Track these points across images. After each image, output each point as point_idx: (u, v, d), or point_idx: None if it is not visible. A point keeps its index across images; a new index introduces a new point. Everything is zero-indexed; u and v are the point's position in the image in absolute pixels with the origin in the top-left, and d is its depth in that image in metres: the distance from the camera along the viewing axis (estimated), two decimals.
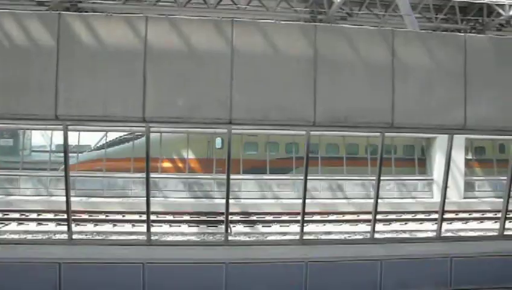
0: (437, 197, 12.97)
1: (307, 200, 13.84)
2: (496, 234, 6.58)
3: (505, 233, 6.53)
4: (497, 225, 6.65)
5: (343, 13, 16.00)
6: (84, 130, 13.20)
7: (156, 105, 5.26)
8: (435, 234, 6.38)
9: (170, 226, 10.02)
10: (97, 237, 7.19)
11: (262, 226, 11.07)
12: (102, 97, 5.21)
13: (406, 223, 11.70)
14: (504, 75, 5.93)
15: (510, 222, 11.63)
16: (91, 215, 10.65)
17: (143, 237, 6.19)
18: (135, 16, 5.58)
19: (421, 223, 11.53)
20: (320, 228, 11.33)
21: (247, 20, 5.37)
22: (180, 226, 10.16)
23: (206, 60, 5.34)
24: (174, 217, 11.16)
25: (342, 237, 8.12)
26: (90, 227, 9.12)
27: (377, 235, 6.48)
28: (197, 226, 10.16)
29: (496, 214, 12.07)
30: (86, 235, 7.53)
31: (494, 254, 6.14)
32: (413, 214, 12.80)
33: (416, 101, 5.68)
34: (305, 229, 10.94)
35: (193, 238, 7.67)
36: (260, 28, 5.34)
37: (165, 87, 5.32)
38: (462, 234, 9.00)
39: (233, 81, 5.24)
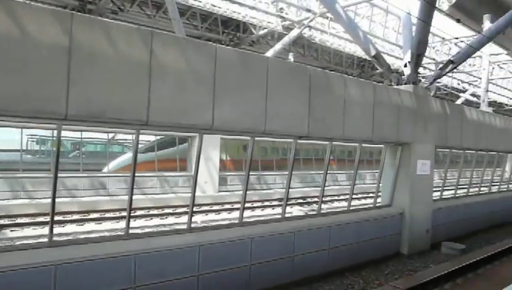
0: (197, 192, 14.01)
1: (64, 199, 13.02)
2: (237, 221, 7.55)
3: (244, 221, 7.58)
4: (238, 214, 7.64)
5: (115, 8, 15.73)
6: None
7: None
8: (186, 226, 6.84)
9: None
10: None
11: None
12: None
13: (166, 217, 12.29)
14: (244, 84, 6.87)
15: (253, 211, 13.76)
16: None
17: None
18: None
19: (178, 217, 12.31)
20: (80, 228, 10.90)
21: None
22: None
23: None
24: None
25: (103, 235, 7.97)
26: None
27: (132, 231, 6.55)
28: None
29: (254, 204, 14.21)
30: None
31: (235, 239, 7.03)
32: (173, 208, 13.54)
33: (172, 101, 5.98)
34: (62, 230, 10.36)
35: None
36: (7, 8, 4.66)
37: None
38: (213, 224, 10.13)
39: None
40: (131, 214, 7.09)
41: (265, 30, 18.93)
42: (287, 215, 8.51)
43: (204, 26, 18.16)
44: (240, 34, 19.40)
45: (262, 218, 10.51)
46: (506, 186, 17.14)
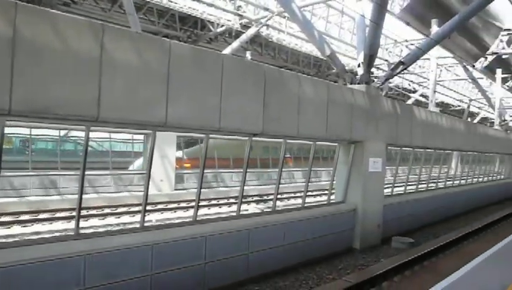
0: (152, 190, 13.77)
1: (11, 199, 12.42)
2: (191, 220, 7.49)
3: (198, 219, 7.54)
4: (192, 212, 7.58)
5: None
6: None
7: None
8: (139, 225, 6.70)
9: None
10: None
11: None
12: None
13: (119, 216, 12.03)
14: (199, 81, 6.82)
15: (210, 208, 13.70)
16: None
17: None
18: None
19: (133, 216, 12.07)
20: (27, 229, 10.49)
21: None
22: None
23: None
24: None
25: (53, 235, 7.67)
26: None
27: (83, 231, 6.35)
28: None
29: (211, 202, 14.10)
30: None
31: (189, 237, 6.97)
32: (128, 207, 13.27)
33: (124, 97, 5.83)
34: (8, 231, 9.91)
35: None
36: None
37: None
38: (168, 222, 10.01)
39: None
40: (83, 214, 6.87)
41: (223, 28, 18.88)
42: (242, 212, 8.55)
43: (161, 22, 17.86)
44: (198, 31, 19.24)
45: (218, 216, 10.54)
46: (451, 182, 18.04)
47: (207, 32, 19.33)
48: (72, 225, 10.26)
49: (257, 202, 16.68)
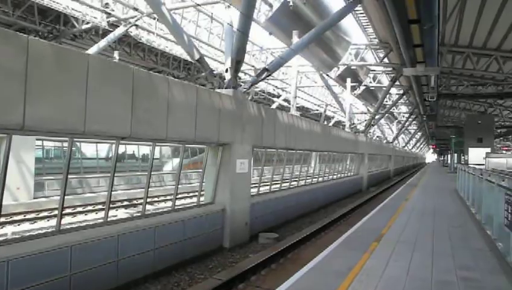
0: (7, 200, 12.42)
1: None
2: (53, 229, 7.00)
3: (63, 228, 7.08)
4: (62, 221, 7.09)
5: None
6: None
7: None
8: None
9: None
10: None
11: None
12: None
13: None
14: (62, 82, 6.44)
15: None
16: None
17: None
18: None
19: None
20: None
21: None
22: None
23: None
24: None
25: None
26: None
27: None
28: None
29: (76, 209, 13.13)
30: None
31: (51, 249, 6.51)
32: None
33: None
34: None
35: None
36: None
37: None
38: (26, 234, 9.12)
39: None
40: None
41: (89, 25, 17.83)
42: (111, 218, 8.26)
43: (16, 14, 16.10)
44: (61, 27, 17.84)
45: (84, 223, 9.96)
46: (310, 180, 19.79)
47: (71, 29, 18.05)
48: None
49: (126, 207, 16.15)
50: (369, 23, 19.02)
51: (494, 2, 14.14)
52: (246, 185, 12.24)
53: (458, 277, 6.44)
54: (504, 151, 46.68)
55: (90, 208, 15.52)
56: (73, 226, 8.24)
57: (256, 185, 14.19)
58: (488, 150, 30.31)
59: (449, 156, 57.09)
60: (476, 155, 28.60)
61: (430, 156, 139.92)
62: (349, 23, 19.59)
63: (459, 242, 8.93)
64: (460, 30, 17.46)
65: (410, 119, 47.30)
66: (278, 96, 33.93)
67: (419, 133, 72.38)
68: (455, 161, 44.66)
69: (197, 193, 12.15)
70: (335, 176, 24.08)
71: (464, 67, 22.35)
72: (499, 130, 41.10)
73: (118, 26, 18.09)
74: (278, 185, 16.19)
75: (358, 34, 37.47)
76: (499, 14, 15.03)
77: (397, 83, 27.60)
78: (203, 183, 11.46)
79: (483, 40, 18.60)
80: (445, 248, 8.40)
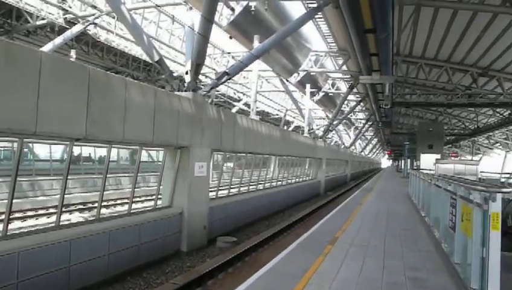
0: None
1: None
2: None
3: (10, 233, 6.78)
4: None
5: None
6: None
7: None
8: None
9: None
10: None
11: None
12: None
13: None
14: (11, 79, 6.17)
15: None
16: None
17: None
18: None
19: None
20: None
21: None
22: None
23: None
24: None
25: None
26: None
27: None
28: None
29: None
30: None
31: None
32: None
33: None
34: None
35: None
36: None
37: None
38: None
39: None
40: None
41: (44, 21, 17.18)
42: (63, 223, 7.99)
43: None
44: (13, 22, 17.08)
45: (34, 228, 9.57)
46: (269, 184, 19.97)
47: (24, 24, 17.33)
48: None
49: (81, 210, 15.64)
50: (329, 31, 19.45)
51: (444, 17, 14.90)
52: (204, 188, 12.19)
53: (407, 278, 6.73)
54: (452, 158, 48.96)
55: (42, 212, 14.93)
56: (23, 231, 7.91)
57: (215, 188, 14.16)
58: (438, 156, 31.75)
59: (403, 161, 59.18)
60: (427, 161, 29.81)
61: (386, 162, 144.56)
62: (309, 30, 19.99)
63: (409, 244, 9.32)
64: (414, 41, 18.22)
65: (366, 126, 48.65)
66: (239, 100, 34.01)
67: (376, 139, 74.60)
68: (408, 167, 46.38)
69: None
70: (293, 180, 24.40)
71: (417, 77, 23.36)
72: (448, 137, 43.09)
73: (76, 24, 17.54)
74: (237, 189, 16.22)
75: (318, 41, 38.25)
76: (448, 28, 15.84)
77: (355, 90, 28.36)
78: (161, 187, 11.30)
79: (434, 52, 19.51)
80: (396, 250, 8.75)
